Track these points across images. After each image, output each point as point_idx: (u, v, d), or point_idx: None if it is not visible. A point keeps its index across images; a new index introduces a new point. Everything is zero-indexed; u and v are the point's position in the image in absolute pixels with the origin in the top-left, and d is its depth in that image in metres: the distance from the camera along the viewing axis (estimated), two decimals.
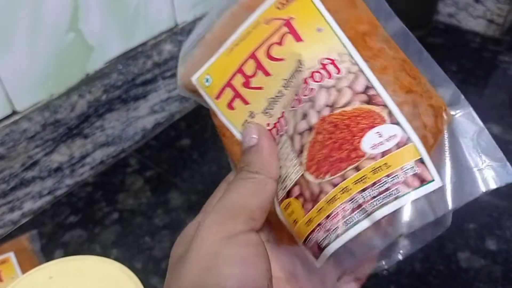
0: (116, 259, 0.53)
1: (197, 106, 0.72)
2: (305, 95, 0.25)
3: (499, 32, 0.82)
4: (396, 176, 0.22)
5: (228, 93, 0.27)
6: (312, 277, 0.26)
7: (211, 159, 0.64)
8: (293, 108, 0.26)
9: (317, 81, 0.25)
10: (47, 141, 0.55)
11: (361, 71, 0.24)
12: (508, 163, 0.23)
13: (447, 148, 0.23)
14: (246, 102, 0.27)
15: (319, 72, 0.25)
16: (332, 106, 0.24)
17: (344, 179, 0.23)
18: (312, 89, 0.25)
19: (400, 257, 0.25)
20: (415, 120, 0.23)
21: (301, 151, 0.25)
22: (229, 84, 0.27)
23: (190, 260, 0.23)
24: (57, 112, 0.55)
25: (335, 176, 0.23)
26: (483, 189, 0.22)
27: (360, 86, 0.24)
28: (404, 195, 0.22)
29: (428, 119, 0.23)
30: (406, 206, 0.22)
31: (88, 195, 0.60)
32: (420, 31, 0.82)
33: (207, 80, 0.28)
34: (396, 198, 0.22)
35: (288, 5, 0.26)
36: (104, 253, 0.53)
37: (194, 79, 0.28)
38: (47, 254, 0.54)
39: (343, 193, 0.23)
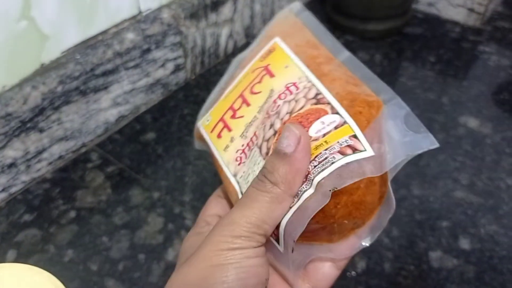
0: (71, 260, 0.50)
1: (164, 98, 0.69)
2: (273, 111, 0.32)
3: (479, 22, 0.80)
4: (333, 148, 0.27)
5: (219, 126, 0.35)
6: (281, 262, 0.31)
7: (176, 154, 0.61)
8: (263, 124, 0.32)
9: (282, 99, 0.32)
10: None
11: (314, 85, 0.31)
12: (430, 134, 0.28)
13: (381, 127, 0.29)
14: (229, 130, 0.34)
15: (284, 93, 0.32)
16: (291, 112, 0.31)
17: None
18: (278, 105, 0.32)
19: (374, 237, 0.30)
20: (352, 109, 0.29)
21: (267, 153, 0.31)
22: (221, 119, 0.35)
23: (199, 256, 0.26)
24: (8, 104, 0.51)
25: None
26: (408, 152, 0.27)
27: (311, 94, 0.31)
28: (338, 160, 0.27)
29: (363, 108, 0.29)
30: (340, 167, 0.27)
31: (45, 192, 0.57)
32: (398, 21, 0.79)
33: (207, 120, 0.35)
34: (332, 163, 0.27)
35: (267, 57, 0.34)
36: (59, 254, 0.50)
37: (199, 123, 0.36)
38: None
39: None
